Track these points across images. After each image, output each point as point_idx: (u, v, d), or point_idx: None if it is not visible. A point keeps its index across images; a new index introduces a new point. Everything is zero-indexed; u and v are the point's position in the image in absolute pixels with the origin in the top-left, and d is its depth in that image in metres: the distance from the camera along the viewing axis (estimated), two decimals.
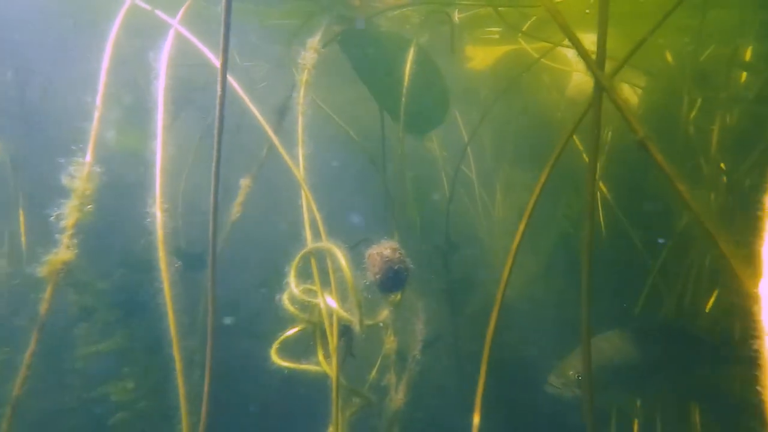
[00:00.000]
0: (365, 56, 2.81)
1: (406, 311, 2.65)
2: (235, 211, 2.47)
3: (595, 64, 1.49)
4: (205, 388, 1.52)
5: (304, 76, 2.08)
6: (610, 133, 4.89)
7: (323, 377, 2.10)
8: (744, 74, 3.62)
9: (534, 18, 4.21)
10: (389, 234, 2.74)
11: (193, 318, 2.65)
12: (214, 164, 1.37)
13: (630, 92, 5.22)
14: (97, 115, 1.60)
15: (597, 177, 1.56)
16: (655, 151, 1.37)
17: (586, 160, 4.37)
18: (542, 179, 1.69)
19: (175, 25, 1.87)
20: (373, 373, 2.60)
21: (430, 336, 3.47)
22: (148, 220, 1.66)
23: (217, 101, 1.29)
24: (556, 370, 2.53)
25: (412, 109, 3.00)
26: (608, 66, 1.70)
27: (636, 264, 3.34)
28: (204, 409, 1.54)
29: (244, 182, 2.49)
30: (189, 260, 2.66)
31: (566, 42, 1.64)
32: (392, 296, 2.14)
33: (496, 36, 5.14)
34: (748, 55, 3.52)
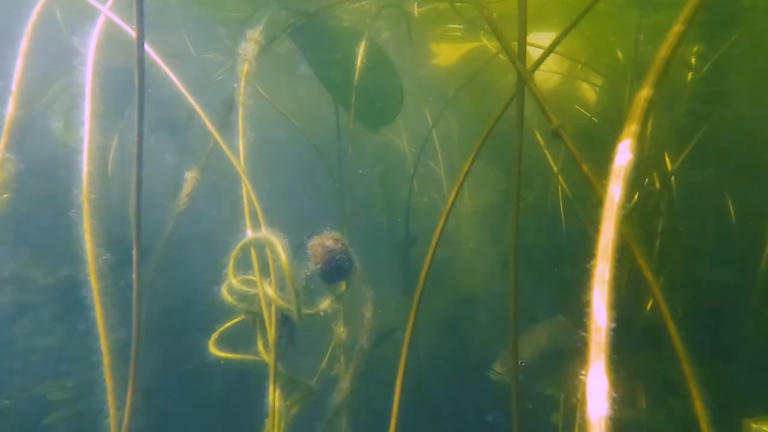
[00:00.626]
0: (318, 49, 2.82)
1: (360, 302, 2.67)
2: (182, 202, 2.44)
3: (516, 57, 1.53)
4: (129, 388, 1.51)
5: (245, 68, 2.07)
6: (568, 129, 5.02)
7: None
8: (689, 73, 3.78)
9: (495, 15, 4.27)
10: (340, 228, 2.75)
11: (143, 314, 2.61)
12: (135, 156, 1.36)
13: (589, 90, 5.38)
14: (12, 100, 1.56)
15: (520, 169, 1.61)
16: (567, 139, 1.43)
17: (547, 153, 4.50)
18: (465, 168, 1.73)
19: (105, 11, 1.83)
20: (324, 363, 2.62)
21: (386, 328, 3.51)
22: (73, 210, 1.63)
23: (135, 87, 1.28)
24: (501, 357, 2.60)
25: (365, 103, 3.01)
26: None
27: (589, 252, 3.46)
28: (128, 404, 1.52)
29: (191, 174, 2.46)
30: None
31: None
32: (337, 286, 2.16)
33: (459, 33, 5.21)
34: (692, 54, 3.68)
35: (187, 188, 2.44)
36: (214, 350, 1.93)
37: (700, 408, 1.05)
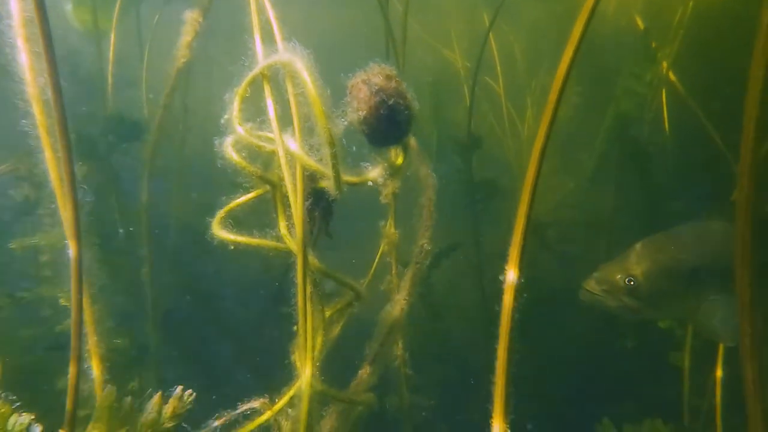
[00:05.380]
0: None
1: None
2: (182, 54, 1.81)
3: None
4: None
5: None
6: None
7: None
8: None
9: None
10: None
11: None
12: None
13: None
14: None
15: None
16: None
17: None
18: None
19: None
20: (370, 275, 2.03)
21: (447, 245, 2.89)
22: None
23: None
24: (597, 274, 1.93)
25: None
26: None
27: (715, 161, 2.61)
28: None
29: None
30: None
31: None
32: (389, 153, 1.50)
33: None
34: None
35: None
36: (218, 232, 1.35)
37: None
